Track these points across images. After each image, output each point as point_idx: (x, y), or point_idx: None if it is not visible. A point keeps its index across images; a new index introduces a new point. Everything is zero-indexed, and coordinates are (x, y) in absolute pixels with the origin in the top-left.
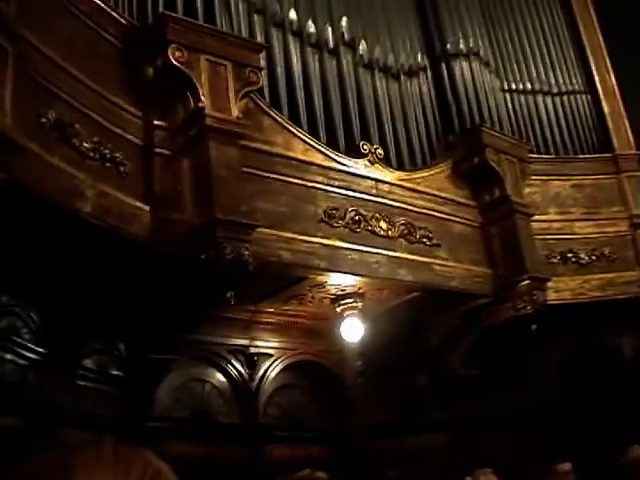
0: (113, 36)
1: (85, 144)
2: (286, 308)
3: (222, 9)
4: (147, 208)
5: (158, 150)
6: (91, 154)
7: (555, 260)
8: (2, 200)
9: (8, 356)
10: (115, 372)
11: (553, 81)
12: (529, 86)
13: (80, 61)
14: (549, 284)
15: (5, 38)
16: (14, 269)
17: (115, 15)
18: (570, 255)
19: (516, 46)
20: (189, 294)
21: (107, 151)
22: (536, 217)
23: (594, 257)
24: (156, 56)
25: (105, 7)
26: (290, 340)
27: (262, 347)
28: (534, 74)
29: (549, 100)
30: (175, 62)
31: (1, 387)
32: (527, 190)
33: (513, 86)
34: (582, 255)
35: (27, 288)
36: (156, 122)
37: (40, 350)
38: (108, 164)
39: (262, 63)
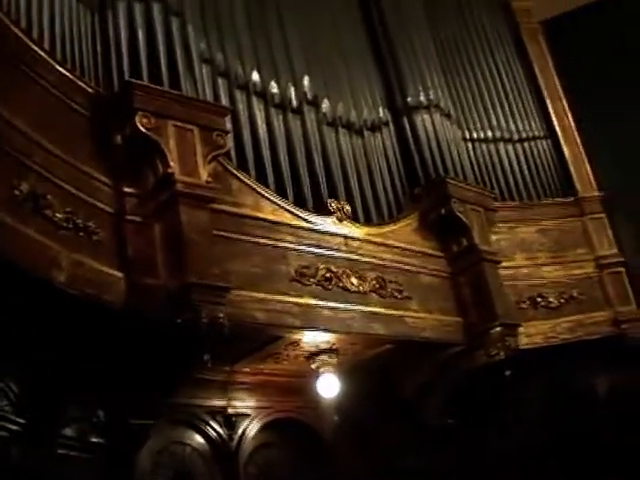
0: (81, 105)
1: (58, 214)
2: (262, 367)
3: (186, 73)
4: (121, 275)
5: (130, 217)
6: (64, 224)
7: (525, 305)
8: None
9: None
10: (95, 439)
11: (513, 128)
12: (490, 134)
13: (51, 132)
14: (520, 329)
15: None
16: None
17: (81, 84)
18: (539, 299)
19: (475, 95)
20: (166, 358)
21: (80, 220)
22: (504, 264)
23: (563, 300)
24: (124, 124)
25: (71, 76)
26: (267, 398)
27: (240, 407)
28: (494, 122)
29: (510, 147)
30: (143, 129)
31: None
32: (494, 237)
33: (475, 135)
34: (551, 299)
35: (5, 359)
36: (127, 189)
37: (20, 421)
38: (81, 233)
39: (228, 126)
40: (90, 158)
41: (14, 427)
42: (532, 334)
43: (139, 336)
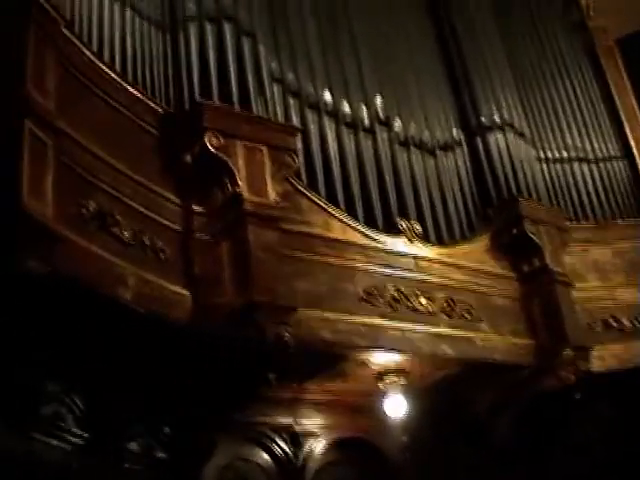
0: (150, 125)
1: (125, 232)
2: (330, 386)
3: (257, 93)
4: (188, 293)
5: (197, 235)
6: (131, 242)
7: (597, 328)
8: (45, 290)
9: (54, 442)
10: (160, 454)
11: (589, 148)
12: (565, 154)
13: (119, 151)
14: (593, 352)
15: (45, 132)
16: (59, 357)
17: (152, 104)
18: (612, 322)
19: (550, 115)
20: (232, 376)
21: (147, 238)
22: (577, 285)
23: (637, 323)
24: (193, 143)
25: (141, 97)
26: (334, 417)
27: (307, 425)
28: (569, 142)
29: (585, 167)
30: (212, 148)
31: (48, 472)
32: (567, 258)
33: (549, 155)
34: (624, 321)
35: (71, 375)
36: (195, 208)
37: (85, 435)
38: (148, 251)
39: (298, 145)
40: (159, 177)
41: (78, 441)
42: (604, 357)
43: (205, 354)
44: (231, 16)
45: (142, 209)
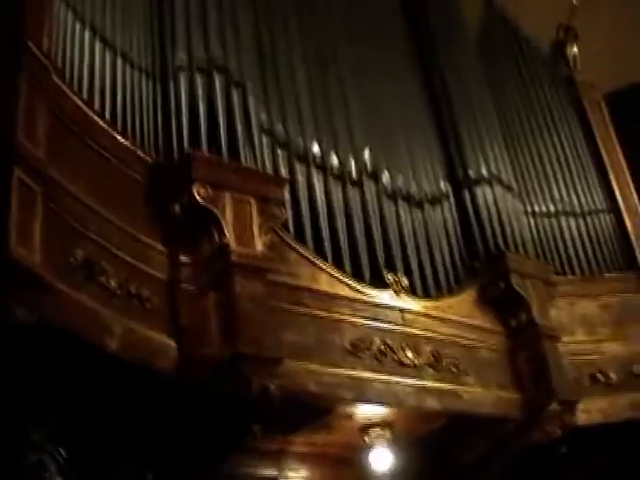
0: (139, 174)
1: (112, 281)
2: (315, 438)
3: (246, 143)
4: (174, 343)
5: (184, 286)
6: (118, 291)
7: (584, 381)
8: (31, 338)
9: None
10: None
11: (576, 201)
12: (552, 208)
13: (107, 199)
14: (579, 406)
15: (34, 179)
16: (42, 405)
17: (141, 153)
18: (599, 375)
19: (538, 168)
20: (217, 427)
21: (134, 288)
22: (564, 339)
23: (624, 376)
24: (181, 193)
25: (131, 146)
26: (319, 469)
27: (292, 477)
28: (556, 195)
29: (572, 221)
30: (200, 199)
31: None
32: (554, 312)
33: (536, 208)
34: (611, 375)
35: (55, 424)
36: (182, 258)
37: None
38: (135, 300)
39: (286, 196)
40: (146, 226)
41: None
42: (591, 411)
43: (190, 404)
44: (221, 66)
45: (129, 258)
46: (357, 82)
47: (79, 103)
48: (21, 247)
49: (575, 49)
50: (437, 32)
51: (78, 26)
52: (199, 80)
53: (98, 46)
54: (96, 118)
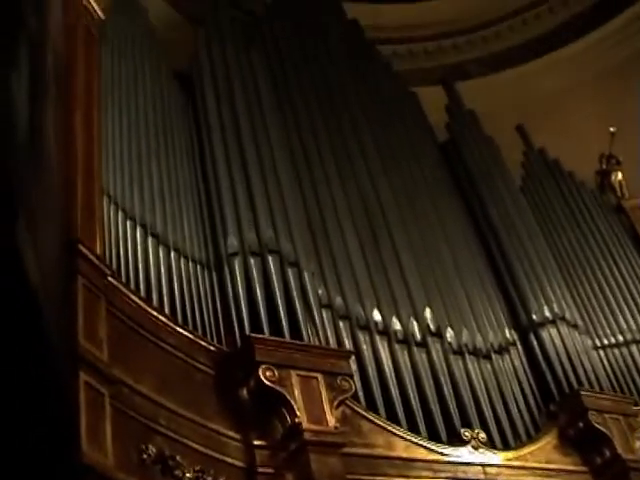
0: (204, 364)
1: (188, 474)
2: None
3: (306, 320)
4: None
5: (261, 469)
6: None
7: None
8: None
9: None
10: None
11: None
12: (621, 338)
13: (174, 392)
14: None
15: (100, 382)
16: None
17: (204, 343)
18: None
19: (600, 300)
20: None
21: (210, 478)
22: None
23: None
24: (248, 378)
25: (193, 337)
26: None
27: None
28: (623, 325)
29: None
30: (267, 382)
31: None
32: (638, 444)
33: (605, 341)
34: None
35: None
36: (256, 442)
37: None
38: None
39: (353, 368)
40: (216, 414)
41: None
42: None
43: None
44: (274, 249)
45: (203, 449)
46: (411, 247)
47: (137, 301)
48: (93, 450)
49: (620, 176)
50: (479, 176)
51: (129, 224)
52: (253, 264)
53: (151, 242)
54: (156, 314)
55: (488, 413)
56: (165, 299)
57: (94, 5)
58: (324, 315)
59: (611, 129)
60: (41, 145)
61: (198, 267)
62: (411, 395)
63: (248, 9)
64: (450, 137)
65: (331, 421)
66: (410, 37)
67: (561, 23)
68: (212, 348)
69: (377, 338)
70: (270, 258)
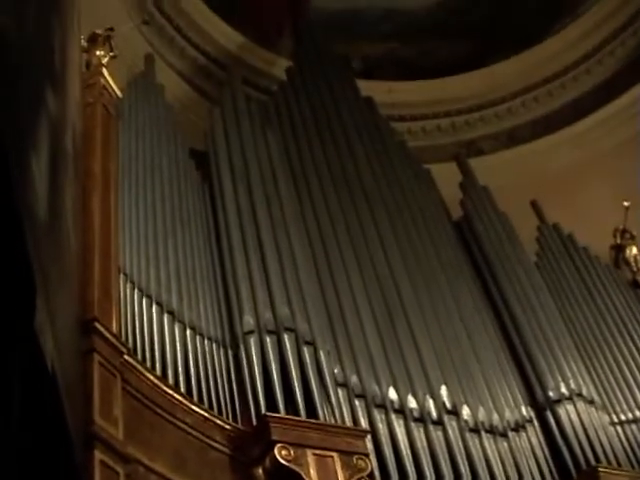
0: (219, 442)
1: None
2: None
3: (322, 399)
4: None
5: None
6: None
7: None
8: None
9: None
10: None
11: None
12: (638, 414)
13: (190, 471)
14: None
15: (115, 461)
16: None
17: (219, 422)
18: None
19: (617, 376)
20: None
21: None
22: None
23: None
24: (263, 456)
25: (209, 416)
26: None
27: None
28: None
29: None
30: (282, 461)
31: None
32: None
33: (622, 417)
34: None
35: None
36: None
37: None
38: None
39: (369, 447)
40: None
41: None
42: None
43: None
44: (290, 327)
45: None
46: (426, 323)
47: (153, 379)
48: None
49: (634, 250)
50: (493, 253)
51: (145, 302)
52: (269, 342)
53: (166, 319)
54: (171, 392)
55: None
56: (181, 377)
57: (112, 84)
58: (340, 394)
59: (625, 203)
60: (59, 225)
61: (214, 345)
62: (427, 474)
63: (263, 86)
64: (464, 214)
65: None
66: (423, 114)
67: (573, 99)
68: (227, 427)
69: (393, 417)
70: (286, 336)
